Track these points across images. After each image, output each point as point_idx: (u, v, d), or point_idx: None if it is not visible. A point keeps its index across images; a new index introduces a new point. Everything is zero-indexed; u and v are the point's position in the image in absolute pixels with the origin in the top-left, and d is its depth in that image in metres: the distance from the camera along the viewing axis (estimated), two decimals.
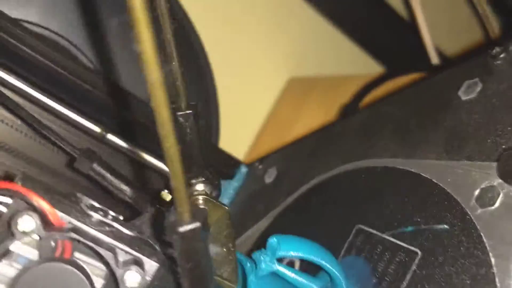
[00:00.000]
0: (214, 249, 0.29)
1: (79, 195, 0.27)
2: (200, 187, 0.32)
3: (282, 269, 0.30)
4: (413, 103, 0.38)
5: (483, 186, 0.29)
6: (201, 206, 0.31)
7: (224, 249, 0.29)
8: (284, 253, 0.30)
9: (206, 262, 0.23)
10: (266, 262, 0.29)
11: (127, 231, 0.26)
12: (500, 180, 0.28)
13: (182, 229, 0.21)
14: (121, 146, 0.52)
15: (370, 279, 0.32)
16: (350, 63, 0.75)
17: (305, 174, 0.43)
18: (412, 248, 0.30)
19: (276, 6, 0.74)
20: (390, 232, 0.32)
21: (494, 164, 0.29)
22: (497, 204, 0.28)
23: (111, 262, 0.24)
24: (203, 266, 0.23)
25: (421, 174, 0.33)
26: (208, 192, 0.32)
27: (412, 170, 0.33)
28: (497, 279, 0.25)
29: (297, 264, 0.36)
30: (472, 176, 0.30)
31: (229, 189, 0.53)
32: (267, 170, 0.49)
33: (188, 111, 0.30)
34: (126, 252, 0.24)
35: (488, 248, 0.27)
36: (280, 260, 0.31)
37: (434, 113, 0.35)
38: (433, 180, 0.32)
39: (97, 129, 0.52)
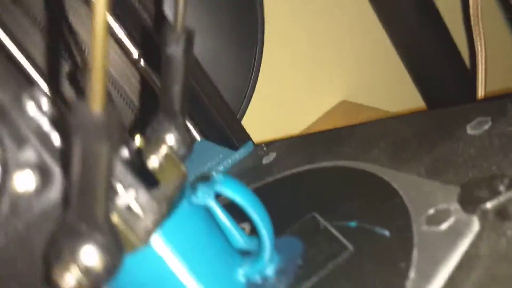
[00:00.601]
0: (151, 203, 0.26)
1: None
2: (170, 138, 0.31)
3: (215, 206, 0.30)
4: (422, 126, 0.36)
5: (439, 207, 0.27)
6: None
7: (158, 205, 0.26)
8: (224, 190, 0.29)
9: (101, 179, 0.20)
10: (203, 191, 0.29)
11: None
12: (457, 206, 0.26)
13: (84, 116, 0.18)
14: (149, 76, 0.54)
15: (297, 259, 0.31)
16: (402, 99, 0.74)
17: (296, 163, 0.43)
18: (347, 243, 0.29)
19: (352, 28, 0.74)
20: (335, 223, 0.31)
21: (458, 189, 0.27)
22: (443, 226, 0.26)
23: None
24: (96, 181, 0.20)
25: (391, 183, 0.31)
26: (176, 148, 0.31)
27: (385, 178, 0.32)
28: None
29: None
30: (434, 196, 0.28)
31: (229, 159, 0.53)
32: (269, 153, 0.49)
33: (180, 34, 0.29)
34: None
35: (413, 262, 0.25)
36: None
37: (436, 139, 0.34)
38: (399, 191, 0.30)
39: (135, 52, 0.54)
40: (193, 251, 0.29)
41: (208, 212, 0.31)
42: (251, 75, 0.58)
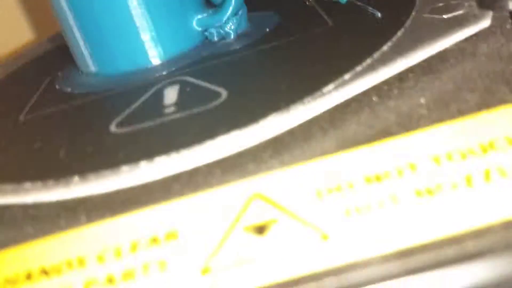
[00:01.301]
0: None
1: None
2: None
3: None
4: None
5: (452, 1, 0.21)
6: None
7: None
8: None
9: None
10: None
11: None
12: (473, 2, 0.21)
13: None
14: None
15: (265, 28, 0.26)
16: None
17: None
18: (327, 18, 0.24)
19: None
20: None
21: None
22: (447, 15, 0.20)
23: None
24: None
25: None
26: None
27: None
28: None
29: None
30: None
31: None
32: None
33: None
34: None
35: (392, 40, 0.20)
36: None
37: None
38: None
39: None
40: None
41: None
42: None
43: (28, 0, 0.53)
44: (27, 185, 0.17)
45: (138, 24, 0.24)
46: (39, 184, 0.17)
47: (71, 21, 0.25)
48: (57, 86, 0.27)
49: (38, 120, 0.23)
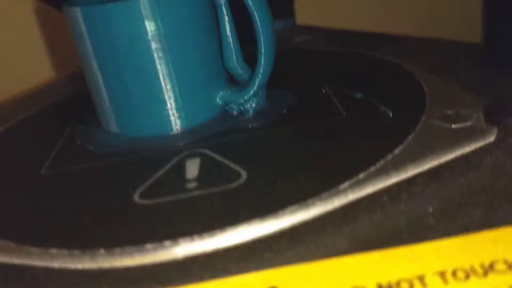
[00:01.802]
0: None
1: None
2: None
3: (225, 7, 0.26)
4: (477, 56, 0.32)
5: (461, 110, 0.23)
6: None
7: None
8: None
9: None
10: None
11: None
12: (481, 114, 0.22)
13: None
14: None
15: (282, 108, 0.27)
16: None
17: (327, 45, 0.39)
18: (342, 109, 0.26)
19: None
20: (341, 92, 0.27)
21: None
22: (456, 125, 0.22)
23: None
24: None
25: (419, 80, 0.28)
26: None
27: (415, 75, 0.29)
28: None
29: None
30: (459, 99, 0.24)
31: None
32: (305, 35, 0.45)
33: None
34: None
35: (403, 143, 0.21)
36: None
37: (490, 75, 0.29)
38: (424, 86, 0.27)
39: None
40: (180, 39, 0.25)
41: (212, 14, 0.27)
42: None
43: (51, 38, 0.55)
44: (53, 250, 0.18)
45: (165, 93, 0.26)
46: (65, 251, 0.18)
47: (100, 82, 0.26)
48: (78, 141, 0.28)
49: (61, 177, 0.24)
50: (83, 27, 0.25)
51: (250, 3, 0.25)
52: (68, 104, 0.36)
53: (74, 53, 0.27)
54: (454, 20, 0.69)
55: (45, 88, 0.44)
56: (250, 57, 0.27)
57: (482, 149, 0.21)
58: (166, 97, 0.26)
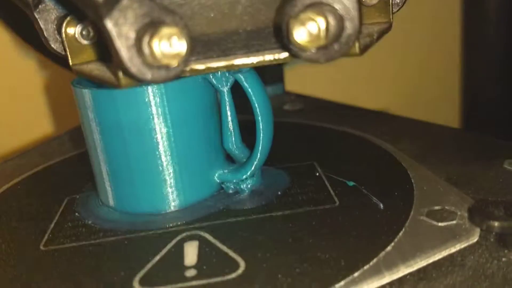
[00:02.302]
0: None
1: None
2: None
3: (227, 94, 0.27)
4: (459, 141, 0.34)
5: (446, 207, 0.25)
6: None
7: None
8: (244, 80, 0.26)
9: None
10: (223, 74, 0.27)
11: None
12: (465, 213, 0.24)
13: None
14: None
15: (277, 190, 0.28)
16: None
17: (317, 119, 0.41)
18: (335, 197, 0.27)
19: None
20: (333, 177, 0.29)
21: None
22: (442, 223, 0.23)
23: None
24: None
25: (407, 170, 0.29)
26: None
27: (403, 163, 0.31)
28: None
29: None
30: (445, 197, 0.26)
31: None
32: (295, 103, 0.47)
33: None
34: None
35: (394, 241, 0.23)
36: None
37: (470, 158, 0.31)
38: (412, 179, 0.28)
39: None
40: (184, 123, 0.27)
41: (215, 98, 0.28)
42: None
43: (52, 93, 0.56)
44: None
45: (166, 173, 0.27)
46: None
47: (102, 159, 0.27)
48: (76, 214, 0.28)
49: (59, 254, 0.25)
50: (90, 108, 0.26)
51: (252, 95, 0.27)
52: (70, 164, 0.37)
53: (75, 111, 0.28)
54: (434, 102, 0.73)
55: (50, 141, 0.44)
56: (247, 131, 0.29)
57: (465, 248, 0.22)
58: (167, 177, 0.27)
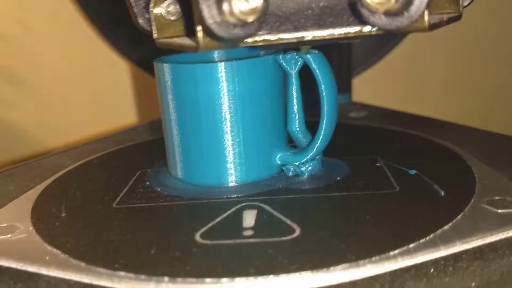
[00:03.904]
0: None
1: None
2: None
3: (295, 76, 0.29)
4: None
5: (507, 198, 0.24)
6: None
7: None
8: (312, 62, 0.28)
9: None
10: (292, 56, 0.28)
11: None
12: None
13: None
14: None
15: (336, 176, 0.29)
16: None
17: (381, 124, 0.41)
18: (395, 184, 0.27)
19: None
20: (395, 166, 0.29)
21: None
22: (502, 210, 0.23)
23: None
24: None
25: (471, 167, 0.29)
26: None
27: (468, 161, 0.30)
28: None
29: None
30: (506, 189, 0.26)
31: None
32: (360, 112, 0.48)
33: None
34: None
35: (453, 222, 0.23)
36: None
37: None
38: (474, 173, 0.28)
39: None
40: (252, 102, 0.28)
41: (283, 81, 0.30)
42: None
43: (137, 84, 0.61)
44: (121, 273, 0.20)
45: (231, 149, 0.28)
46: (132, 276, 0.20)
47: (175, 132, 0.29)
48: (147, 183, 0.30)
49: (130, 212, 0.27)
50: (168, 81, 0.28)
51: (319, 76, 0.28)
52: (143, 147, 0.40)
53: (156, 106, 0.31)
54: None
55: (126, 131, 0.48)
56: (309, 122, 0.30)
57: None
58: (231, 152, 0.29)
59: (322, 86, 0.28)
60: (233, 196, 0.28)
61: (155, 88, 0.30)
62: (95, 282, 0.20)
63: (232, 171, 0.29)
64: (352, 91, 0.54)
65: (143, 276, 0.20)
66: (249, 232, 0.23)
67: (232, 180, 0.29)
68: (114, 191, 0.29)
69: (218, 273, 0.20)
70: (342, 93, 0.52)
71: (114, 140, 0.45)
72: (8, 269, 0.22)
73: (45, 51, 0.59)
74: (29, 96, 0.60)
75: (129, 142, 0.42)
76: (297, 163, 0.30)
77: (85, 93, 0.61)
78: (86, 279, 0.21)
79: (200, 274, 0.20)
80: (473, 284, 0.20)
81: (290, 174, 0.30)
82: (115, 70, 0.60)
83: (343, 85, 0.52)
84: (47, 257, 0.22)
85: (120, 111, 0.62)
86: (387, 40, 0.60)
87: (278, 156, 0.30)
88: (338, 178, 0.29)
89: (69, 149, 0.42)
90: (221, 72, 0.27)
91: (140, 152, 0.39)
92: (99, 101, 0.61)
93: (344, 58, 0.52)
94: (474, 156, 0.32)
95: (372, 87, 0.61)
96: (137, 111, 0.63)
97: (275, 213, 0.25)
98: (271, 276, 0.19)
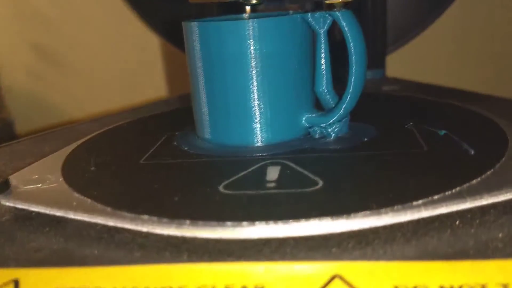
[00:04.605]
0: None
1: None
2: None
3: (324, 35, 0.28)
4: None
5: None
6: None
7: None
8: (342, 20, 0.27)
9: None
10: (321, 14, 0.28)
11: None
12: None
13: None
14: None
15: (363, 138, 0.29)
16: None
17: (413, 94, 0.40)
18: (423, 143, 0.27)
19: None
20: (424, 128, 0.28)
21: None
22: None
23: None
24: None
25: (505, 130, 0.28)
26: None
27: (500, 125, 0.29)
28: None
29: None
30: None
31: None
32: (393, 86, 0.47)
33: None
34: None
35: (482, 177, 0.22)
36: None
37: None
38: (508, 136, 0.27)
39: None
40: (279, 61, 0.28)
41: (311, 41, 0.29)
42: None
43: (167, 58, 0.63)
44: (144, 217, 0.21)
45: (258, 109, 0.28)
46: (155, 219, 0.20)
47: (203, 92, 0.29)
48: (174, 143, 0.31)
49: (157, 166, 0.27)
50: (197, 40, 0.29)
51: (348, 33, 0.27)
52: (171, 115, 0.40)
53: (187, 81, 0.31)
54: None
55: (157, 102, 0.49)
56: (336, 83, 0.30)
57: None
58: (258, 113, 0.29)
59: (351, 43, 0.27)
60: (258, 154, 0.28)
61: (185, 64, 0.31)
62: (119, 224, 0.21)
63: (258, 131, 0.29)
64: (386, 68, 0.53)
65: (165, 219, 0.20)
66: (272, 184, 0.23)
67: (258, 140, 0.29)
68: (142, 150, 0.30)
69: (239, 217, 0.20)
70: (375, 69, 0.51)
71: (146, 110, 0.45)
72: (38, 214, 0.23)
73: (81, 31, 0.61)
74: (64, 72, 0.62)
75: (159, 111, 0.42)
76: (323, 125, 0.29)
77: (116, 68, 0.63)
78: (110, 222, 0.21)
79: (222, 217, 0.20)
80: (500, 235, 0.19)
81: (317, 136, 0.30)
82: (147, 46, 0.61)
83: (377, 60, 0.51)
84: (75, 203, 0.23)
85: (152, 86, 0.63)
86: (422, 18, 0.58)
87: (305, 117, 0.30)
88: (365, 140, 0.29)
89: (102, 117, 0.43)
90: (248, 29, 0.27)
91: (169, 118, 0.39)
92: (131, 76, 0.63)
93: (379, 33, 0.51)
94: (509, 121, 0.31)
95: (406, 64, 0.60)
96: (168, 87, 0.64)
97: (299, 168, 0.25)
98: (291, 220, 0.19)
